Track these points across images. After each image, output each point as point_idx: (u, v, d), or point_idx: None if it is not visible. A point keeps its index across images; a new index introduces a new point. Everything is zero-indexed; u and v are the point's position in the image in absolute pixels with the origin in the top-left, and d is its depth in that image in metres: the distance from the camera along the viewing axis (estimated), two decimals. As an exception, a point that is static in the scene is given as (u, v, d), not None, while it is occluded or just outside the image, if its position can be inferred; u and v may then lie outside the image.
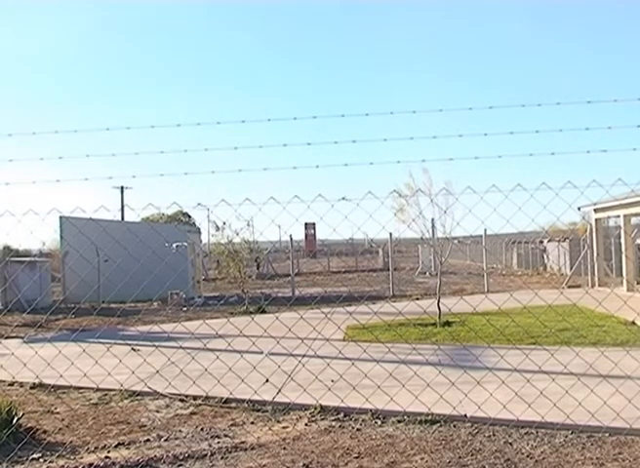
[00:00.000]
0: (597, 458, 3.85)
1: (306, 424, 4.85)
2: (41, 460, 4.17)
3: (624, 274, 15.33)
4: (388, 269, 19.44)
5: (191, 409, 5.40)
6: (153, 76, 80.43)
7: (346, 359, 6.50)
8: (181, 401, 5.64)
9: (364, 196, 3.84)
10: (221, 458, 4.08)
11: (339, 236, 4.28)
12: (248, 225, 14.57)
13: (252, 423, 4.92)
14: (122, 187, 38.96)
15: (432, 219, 10.90)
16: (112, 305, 15.32)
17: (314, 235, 50.32)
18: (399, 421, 4.78)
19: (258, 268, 28.74)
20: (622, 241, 16.19)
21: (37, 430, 4.77)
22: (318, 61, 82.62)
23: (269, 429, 4.70)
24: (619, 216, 15.70)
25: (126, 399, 5.85)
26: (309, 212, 4.18)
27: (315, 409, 5.12)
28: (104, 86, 76.65)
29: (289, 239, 20.76)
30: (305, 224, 47.91)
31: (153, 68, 77.85)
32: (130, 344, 8.60)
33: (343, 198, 3.90)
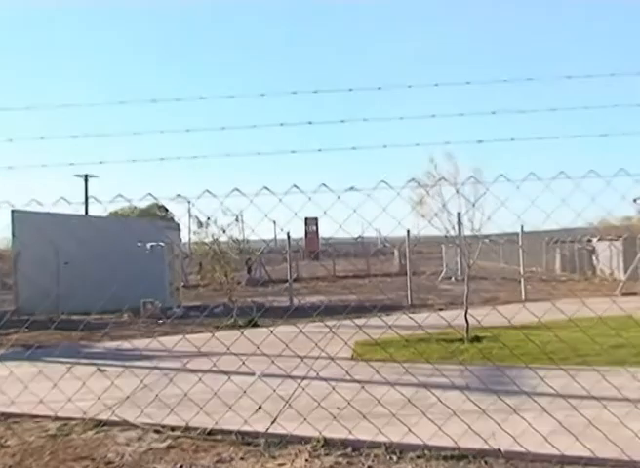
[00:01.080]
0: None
1: (307, 460, 4.82)
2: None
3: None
4: (405, 273, 19.47)
5: (168, 441, 5.40)
6: (127, 44, 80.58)
7: (355, 382, 6.49)
8: (157, 432, 5.63)
9: (376, 185, 3.82)
10: (205, 502, 4.05)
11: (346, 234, 4.26)
12: (237, 221, 14.60)
13: (241, 459, 4.90)
14: (86, 175, 38.74)
15: (458, 214, 10.87)
16: (74, 317, 15.25)
17: (316, 233, 50.33)
18: (419, 457, 4.74)
19: (249, 272, 28.77)
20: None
21: (-18, 468, 4.80)
22: (322, 31, 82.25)
23: (262, 466, 4.68)
24: (684, 210, 16.10)
25: (90, 430, 5.83)
26: (311, 205, 4.16)
27: (318, 442, 5.10)
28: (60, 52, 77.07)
29: (286, 237, 20.73)
30: (306, 220, 47.88)
31: (126, 35, 78.02)
32: (95, 364, 8.62)
33: (352, 188, 3.88)
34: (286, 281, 21.78)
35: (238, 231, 16.07)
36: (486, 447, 4.62)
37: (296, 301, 18.17)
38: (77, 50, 76.11)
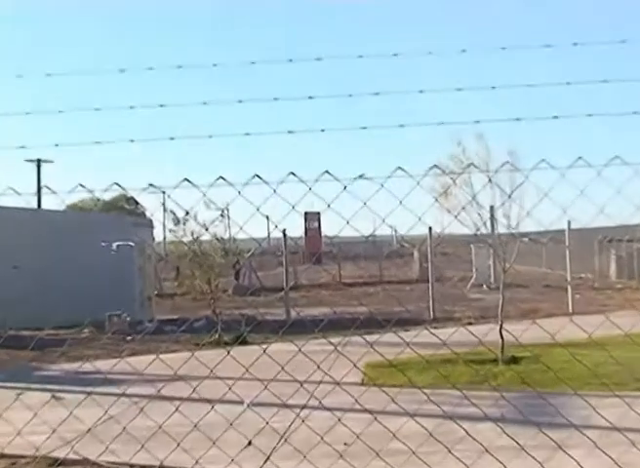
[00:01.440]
0: None
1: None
2: None
3: None
4: (427, 280, 19.47)
5: (139, 484, 5.44)
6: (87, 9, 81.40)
7: (366, 411, 6.49)
8: (125, 472, 5.67)
9: (392, 173, 3.80)
10: None
11: (354, 232, 4.25)
12: (222, 216, 14.61)
13: (227, 506, 4.97)
14: (39, 161, 38.51)
15: (491, 207, 10.87)
16: (24, 333, 15.18)
17: (318, 230, 50.32)
18: (443, 503, 4.79)
19: (236, 278, 28.79)
20: None
21: None
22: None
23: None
24: None
25: (44, 470, 5.88)
26: (312, 197, 4.16)
27: (320, 484, 5.14)
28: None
29: (281, 236, 20.75)
30: (306, 215, 47.81)
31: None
32: (50, 390, 8.61)
33: (361, 176, 3.87)
34: (281, 289, 21.77)
35: (224, 229, 16.11)
36: (525, 491, 4.66)
37: (293, 314, 18.19)
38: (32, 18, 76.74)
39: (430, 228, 18.78)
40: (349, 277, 33.09)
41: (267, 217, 4.70)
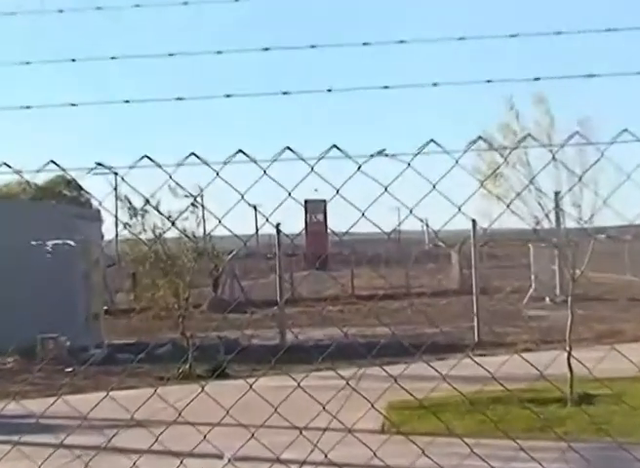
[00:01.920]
0: None
1: None
2: None
3: None
4: (470, 292, 19.52)
5: None
6: None
7: (387, 468, 6.50)
8: None
9: (421, 148, 3.78)
10: None
11: (371, 227, 4.24)
12: (194, 206, 14.64)
13: None
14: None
15: (556, 194, 10.85)
16: None
17: (324, 225, 50.24)
18: None
19: (214, 290, 28.74)
20: None
21: None
22: None
23: None
24: None
25: None
26: (315, 180, 4.16)
27: None
28: None
29: (274, 232, 20.68)
30: (307, 205, 47.81)
31: None
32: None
33: (381, 152, 3.86)
34: (274, 303, 21.67)
35: (196, 223, 16.11)
36: None
37: (290, 337, 18.21)
38: None
39: (474, 222, 18.80)
40: (365, 287, 33.06)
41: (255, 208, 4.74)
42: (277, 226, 17.63)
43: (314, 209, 48.35)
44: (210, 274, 23.05)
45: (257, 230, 45.44)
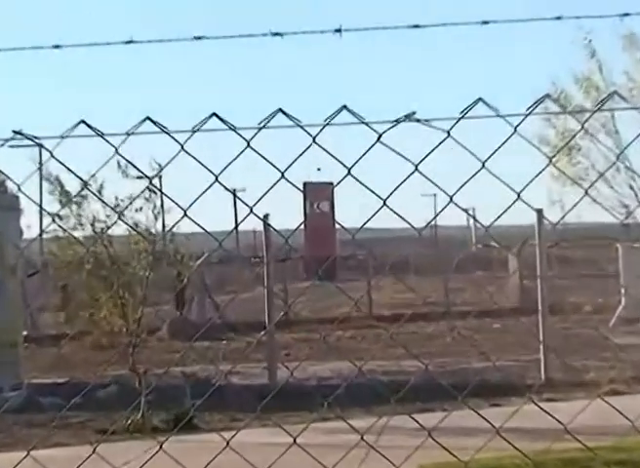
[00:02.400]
0: None
1: None
2: None
3: None
4: (535, 310, 19.46)
5: None
6: None
7: None
8: None
9: (466, 111, 3.77)
10: None
11: (395, 221, 4.20)
12: (151, 191, 14.63)
13: None
14: None
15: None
16: None
17: (330, 217, 49.91)
18: None
19: (178, 308, 28.70)
20: None
21: None
22: None
23: None
24: None
25: None
26: (317, 155, 4.16)
27: None
28: None
29: (260, 228, 20.49)
30: (306, 189, 47.65)
31: None
32: None
33: (409, 116, 3.85)
34: (261, 327, 21.69)
35: (153, 215, 16.06)
36: None
37: (282, 373, 18.16)
38: None
39: (540, 214, 19.09)
40: (388, 304, 33.05)
41: (235, 194, 4.73)
42: (265, 219, 17.56)
43: (317, 195, 48.39)
44: (178, 281, 23.04)
45: (236, 225, 45.40)
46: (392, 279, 36.35)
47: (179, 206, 4.36)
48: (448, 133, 3.97)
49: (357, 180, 4.06)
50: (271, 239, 20.38)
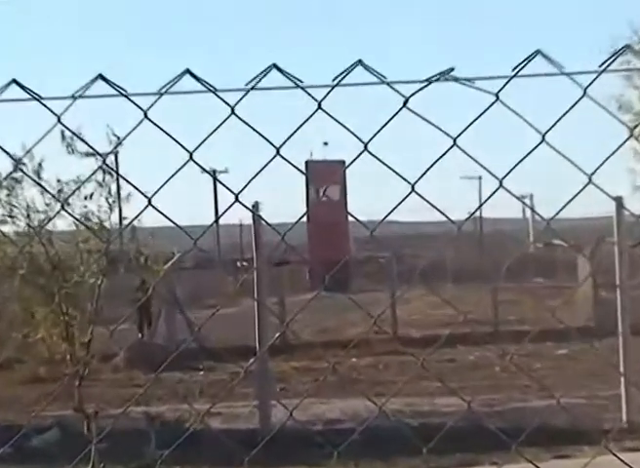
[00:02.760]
0: None
1: None
2: None
3: None
4: (614, 331, 19.67)
5: None
6: None
7: None
8: None
9: (521, 66, 3.80)
10: None
11: (426, 213, 4.19)
12: (105, 172, 14.72)
13: None
14: None
15: None
16: None
17: (341, 206, 49.90)
18: None
19: (141, 327, 28.75)
20: None
21: None
22: None
23: None
24: None
25: None
26: (324, 125, 4.17)
27: None
28: None
29: (250, 221, 20.48)
30: (309, 169, 47.66)
31: None
32: None
33: (446, 73, 3.88)
34: (249, 352, 21.66)
35: (108, 204, 16.13)
36: None
37: (278, 413, 18.21)
38: None
39: (620, 202, 18.91)
40: (418, 323, 33.12)
41: (214, 176, 4.77)
42: (254, 209, 17.61)
43: (323, 178, 48.41)
44: (132, 299, 23.04)
45: (217, 217, 45.40)
46: (423, 289, 36.33)
47: (141, 192, 4.36)
48: (496, 96, 3.99)
49: (376, 158, 4.08)
50: (263, 236, 20.33)
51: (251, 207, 16.33)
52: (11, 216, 15.72)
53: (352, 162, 4.13)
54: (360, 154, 4.02)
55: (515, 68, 3.96)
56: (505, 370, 23.40)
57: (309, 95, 4.03)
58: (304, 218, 47.11)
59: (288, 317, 31.17)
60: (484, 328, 31.38)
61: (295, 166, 4.29)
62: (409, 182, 4.05)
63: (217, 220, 43.75)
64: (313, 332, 31.20)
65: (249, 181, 4.35)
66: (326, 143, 43.14)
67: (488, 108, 4.07)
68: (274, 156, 4.08)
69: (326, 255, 44.63)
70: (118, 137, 12.37)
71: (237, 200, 4.35)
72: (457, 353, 27.53)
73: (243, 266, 33.71)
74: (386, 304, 34.25)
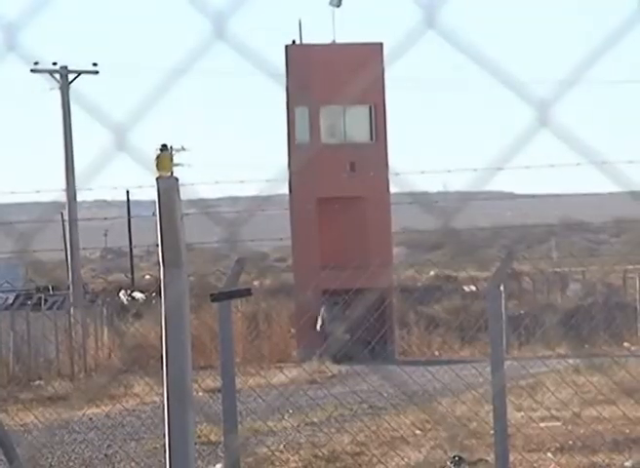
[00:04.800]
0: None
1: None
2: None
3: None
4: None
5: None
6: None
7: None
8: None
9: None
10: None
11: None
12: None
13: None
14: None
15: None
16: None
17: (374, 151, 44.87)
18: None
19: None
20: None
21: None
22: None
23: None
24: None
25: None
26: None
27: None
28: None
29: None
30: (288, 57, 43.74)
31: None
32: None
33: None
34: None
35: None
36: None
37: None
38: None
39: None
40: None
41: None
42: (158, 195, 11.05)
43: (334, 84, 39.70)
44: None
45: (128, 201, 40.45)
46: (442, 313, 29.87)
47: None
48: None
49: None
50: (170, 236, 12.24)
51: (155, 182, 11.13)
52: None
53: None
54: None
55: None
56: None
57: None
58: (283, 188, 35.68)
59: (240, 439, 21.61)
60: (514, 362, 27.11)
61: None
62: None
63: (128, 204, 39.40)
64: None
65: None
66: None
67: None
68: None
69: (334, 275, 32.21)
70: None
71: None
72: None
73: (91, 299, 28.47)
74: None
